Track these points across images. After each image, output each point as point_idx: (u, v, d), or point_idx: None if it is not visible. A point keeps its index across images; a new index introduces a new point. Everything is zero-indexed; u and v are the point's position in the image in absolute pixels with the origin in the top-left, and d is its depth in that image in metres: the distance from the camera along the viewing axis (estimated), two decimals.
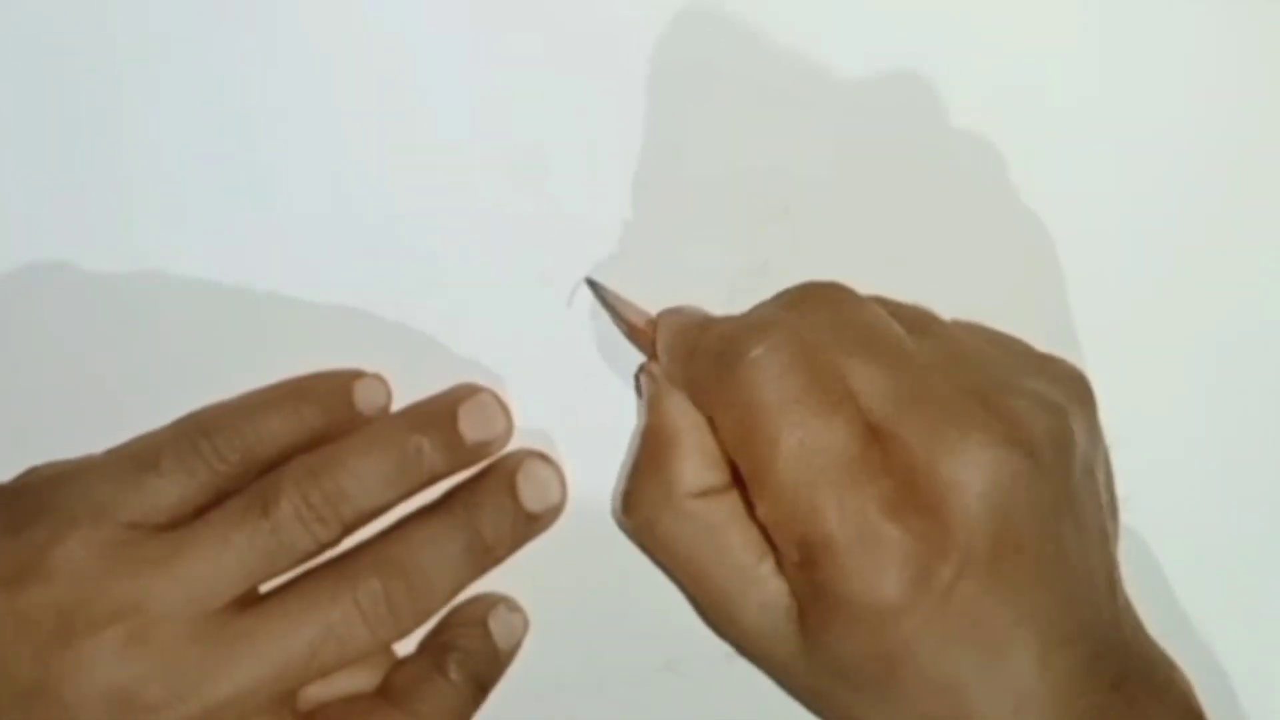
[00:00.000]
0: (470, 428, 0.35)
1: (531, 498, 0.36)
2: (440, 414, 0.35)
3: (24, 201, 0.37)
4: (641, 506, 0.34)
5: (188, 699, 0.32)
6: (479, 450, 0.36)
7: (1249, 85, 0.39)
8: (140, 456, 0.34)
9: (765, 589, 0.33)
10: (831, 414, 0.31)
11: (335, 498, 0.34)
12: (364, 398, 0.36)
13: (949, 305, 0.37)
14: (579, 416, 0.38)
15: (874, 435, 0.31)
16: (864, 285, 0.37)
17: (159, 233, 0.37)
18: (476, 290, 0.37)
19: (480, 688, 0.35)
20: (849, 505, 0.31)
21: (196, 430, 0.34)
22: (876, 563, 0.31)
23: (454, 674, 0.35)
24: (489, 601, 0.36)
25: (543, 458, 0.36)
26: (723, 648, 0.35)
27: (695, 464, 0.34)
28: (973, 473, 0.31)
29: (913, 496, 0.31)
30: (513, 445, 0.37)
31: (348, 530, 0.34)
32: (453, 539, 0.35)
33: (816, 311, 0.33)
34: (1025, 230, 0.38)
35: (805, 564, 0.31)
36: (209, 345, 0.37)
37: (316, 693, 0.34)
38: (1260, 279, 0.39)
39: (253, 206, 0.37)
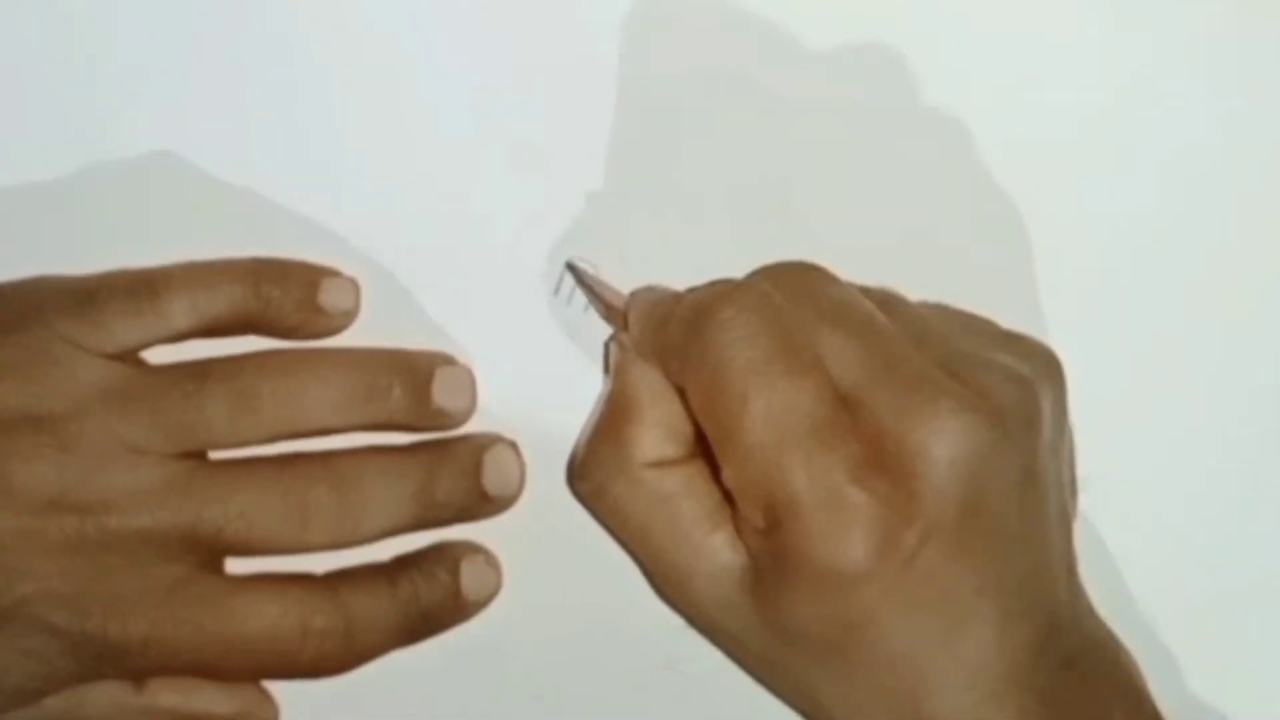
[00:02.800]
0: (441, 392, 0.36)
1: (491, 479, 0.36)
2: (419, 367, 0.36)
3: None
4: (595, 472, 0.34)
5: (111, 518, 0.33)
6: (438, 416, 0.36)
7: (1248, 79, 0.39)
8: (89, 287, 0.34)
9: (715, 559, 0.33)
10: (800, 376, 0.31)
11: (287, 398, 0.34)
12: (329, 298, 0.36)
13: (948, 302, 0.37)
14: (581, 414, 0.37)
15: (843, 402, 0.31)
16: (863, 282, 0.37)
17: (160, 233, 0.37)
18: (473, 287, 0.38)
19: (424, 617, 0.35)
20: (816, 467, 0.31)
21: (151, 281, 0.34)
22: (841, 526, 0.30)
23: (401, 589, 0.35)
24: (470, 547, 0.36)
25: (513, 447, 0.36)
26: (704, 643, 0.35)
27: (654, 433, 0.34)
28: (942, 440, 0.31)
29: (881, 462, 0.31)
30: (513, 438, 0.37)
31: (274, 438, 0.34)
32: (405, 480, 0.35)
33: (788, 283, 0.33)
34: (1026, 227, 0.38)
35: (770, 527, 0.31)
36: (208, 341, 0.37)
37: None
38: (1245, 277, 0.39)
39: (250, 205, 0.37)
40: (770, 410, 0.31)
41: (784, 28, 0.38)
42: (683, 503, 0.33)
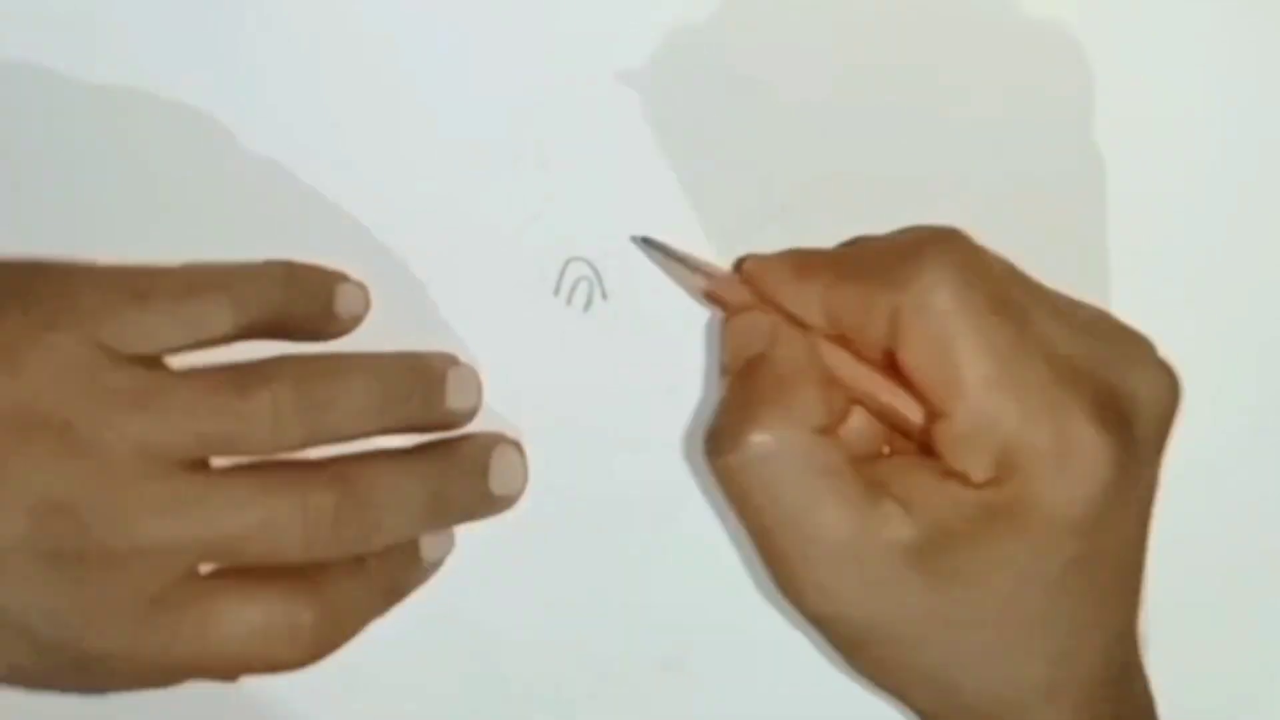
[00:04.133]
0: (453, 393, 0.36)
1: (497, 480, 0.36)
2: (435, 371, 0.36)
3: None
4: (756, 437, 0.31)
5: (115, 529, 0.32)
6: (449, 417, 0.36)
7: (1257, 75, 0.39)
8: (136, 286, 0.34)
9: (887, 531, 0.31)
10: (1026, 323, 0.31)
11: (323, 406, 0.34)
12: (344, 304, 0.36)
13: None
14: (579, 415, 0.38)
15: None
16: None
17: (162, 236, 0.37)
18: (473, 287, 0.38)
19: (393, 589, 0.36)
20: (1061, 410, 0.30)
21: (194, 282, 0.34)
22: (1081, 472, 0.30)
23: (371, 566, 0.35)
24: None
25: (518, 448, 0.37)
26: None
27: (821, 399, 0.32)
28: (1150, 385, 0.32)
29: (1111, 407, 0.31)
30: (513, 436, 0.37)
31: (306, 445, 0.34)
32: (418, 488, 0.35)
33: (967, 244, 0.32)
34: (1026, 226, 0.38)
35: (1001, 475, 0.31)
36: None
37: None
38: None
39: (250, 204, 0.37)
40: (1009, 352, 0.31)
41: (785, 28, 0.38)
42: (846, 474, 0.32)
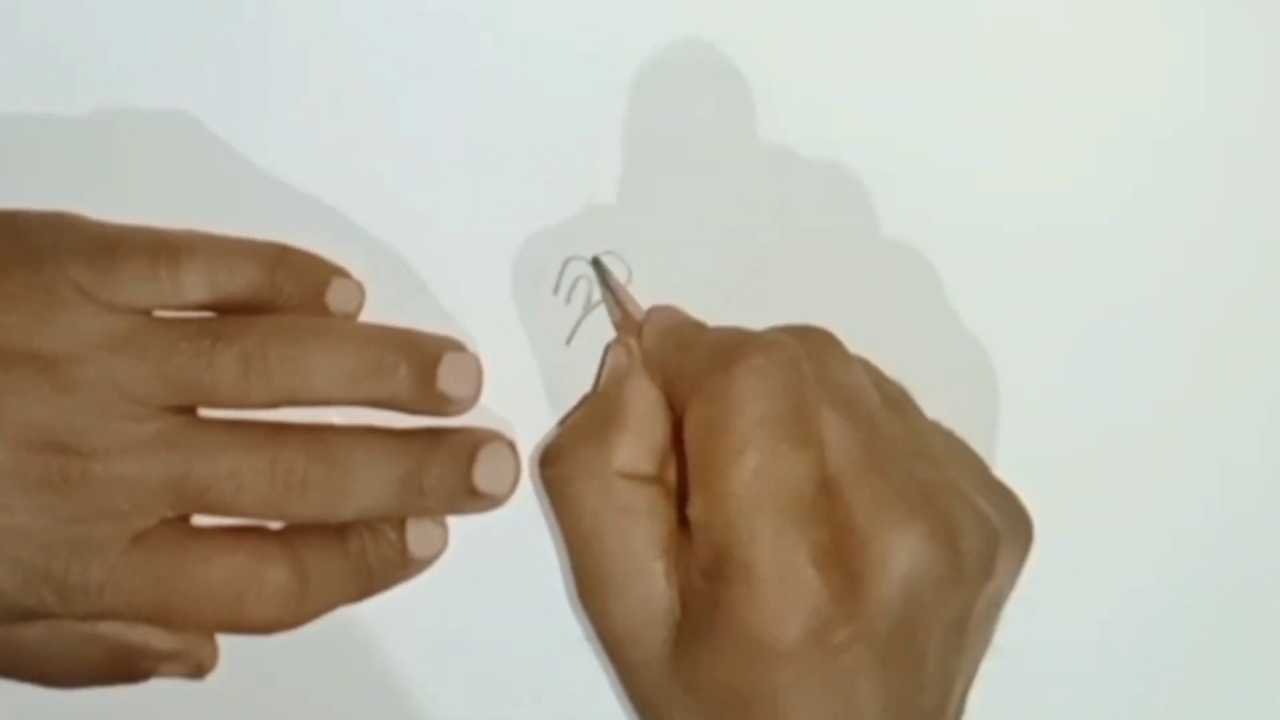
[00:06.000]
0: (446, 377, 0.35)
1: (482, 475, 0.36)
2: (428, 349, 0.36)
3: None
4: (567, 462, 0.34)
5: (97, 462, 0.33)
6: (440, 401, 0.36)
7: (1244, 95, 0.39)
8: (109, 238, 0.35)
9: (650, 585, 0.33)
10: (802, 449, 0.32)
11: (295, 365, 0.34)
12: (336, 298, 0.36)
13: (946, 305, 0.38)
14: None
15: (825, 486, 0.32)
16: (861, 282, 0.38)
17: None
18: (472, 286, 0.37)
19: (371, 575, 0.36)
20: (783, 540, 0.31)
21: (174, 248, 0.35)
22: (786, 602, 0.31)
23: (351, 545, 0.35)
24: None
25: (511, 447, 0.36)
26: None
27: (635, 446, 0.34)
28: (903, 557, 0.31)
29: (841, 555, 0.31)
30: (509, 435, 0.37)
31: (277, 403, 0.35)
32: (394, 464, 0.35)
33: (813, 352, 0.33)
34: (1026, 225, 0.38)
35: (714, 576, 0.32)
36: None
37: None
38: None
39: (249, 204, 0.37)
40: (764, 469, 0.31)
41: (786, 27, 0.38)
42: (641, 520, 0.34)
